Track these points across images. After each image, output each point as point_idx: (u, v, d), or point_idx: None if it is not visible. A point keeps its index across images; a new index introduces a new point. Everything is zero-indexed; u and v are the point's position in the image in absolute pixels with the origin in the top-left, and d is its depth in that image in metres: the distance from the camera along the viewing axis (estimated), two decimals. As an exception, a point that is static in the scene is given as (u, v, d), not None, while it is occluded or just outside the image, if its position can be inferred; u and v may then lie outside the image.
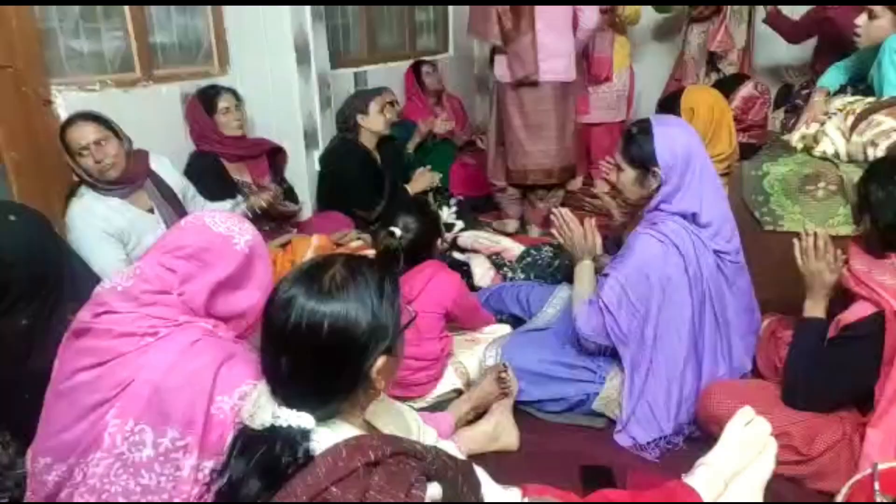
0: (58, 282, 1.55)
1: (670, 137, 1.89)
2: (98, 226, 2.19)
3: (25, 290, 1.49)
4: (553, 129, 3.32)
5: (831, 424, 1.66)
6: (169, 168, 2.52)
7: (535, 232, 3.57)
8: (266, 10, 3.05)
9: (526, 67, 3.20)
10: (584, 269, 2.03)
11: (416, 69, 4.19)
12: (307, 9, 3.08)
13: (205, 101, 2.88)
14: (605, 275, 1.94)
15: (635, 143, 1.93)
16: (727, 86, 3.25)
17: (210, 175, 2.81)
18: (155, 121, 2.78)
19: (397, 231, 2.03)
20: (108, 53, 2.71)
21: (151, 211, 2.39)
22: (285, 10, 3.02)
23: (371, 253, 2.24)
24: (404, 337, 1.11)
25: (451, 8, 4.89)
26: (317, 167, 3.34)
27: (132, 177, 2.33)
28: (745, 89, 3.29)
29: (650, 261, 1.88)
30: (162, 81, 2.88)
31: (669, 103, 2.53)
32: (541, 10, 3.16)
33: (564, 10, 3.23)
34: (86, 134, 2.19)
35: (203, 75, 3.09)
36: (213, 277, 1.34)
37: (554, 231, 2.08)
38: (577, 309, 1.98)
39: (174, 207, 2.44)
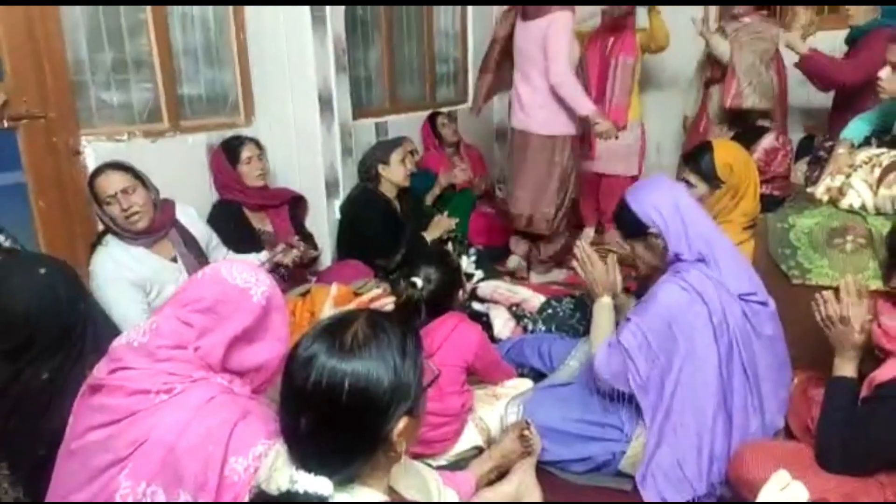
0: (82, 335, 1.54)
1: (644, 199, 1.97)
2: (121, 275, 2.20)
3: (51, 343, 1.48)
4: (525, 176, 3.38)
5: (871, 490, 1.58)
6: (194, 218, 2.54)
7: (537, 276, 3.64)
8: (291, 62, 3.11)
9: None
10: (603, 308, 2.03)
11: (431, 121, 4.16)
12: (332, 61, 3.14)
13: (228, 152, 2.92)
14: (628, 319, 1.92)
15: (622, 220, 2.04)
16: (748, 138, 3.23)
17: (232, 223, 2.84)
18: (181, 170, 2.82)
19: (419, 282, 2.02)
20: (137, 104, 2.77)
21: (175, 260, 2.39)
22: (310, 63, 3.07)
23: (391, 300, 2.22)
24: (426, 396, 1.08)
25: (470, 59, 4.96)
26: (337, 216, 3.36)
27: (158, 226, 2.34)
28: (767, 141, 3.27)
29: (673, 309, 1.86)
30: (189, 132, 2.93)
31: (697, 157, 2.47)
32: (518, 62, 3.29)
33: (537, 65, 3.20)
34: (113, 182, 2.21)
35: (229, 126, 3.14)
36: (229, 332, 1.32)
37: (575, 265, 2.11)
38: (595, 350, 1.96)
39: (196, 257, 2.44)
